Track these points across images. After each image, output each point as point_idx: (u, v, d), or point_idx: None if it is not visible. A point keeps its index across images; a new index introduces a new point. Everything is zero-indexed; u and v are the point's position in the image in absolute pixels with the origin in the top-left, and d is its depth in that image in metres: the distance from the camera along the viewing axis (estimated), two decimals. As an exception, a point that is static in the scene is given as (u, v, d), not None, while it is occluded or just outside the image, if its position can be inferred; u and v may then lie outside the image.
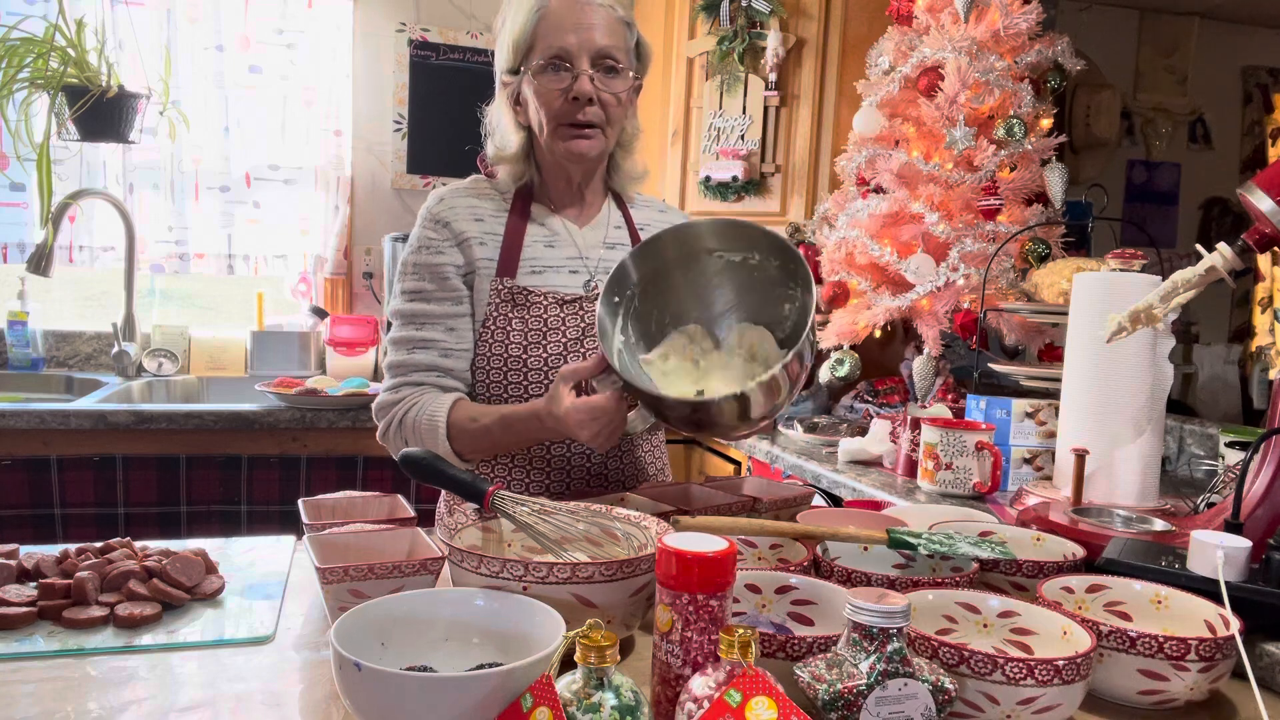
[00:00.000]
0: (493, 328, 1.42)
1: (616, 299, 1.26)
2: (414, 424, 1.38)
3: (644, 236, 1.53)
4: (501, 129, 1.45)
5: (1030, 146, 2.19)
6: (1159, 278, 1.40)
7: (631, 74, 1.41)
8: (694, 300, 1.32)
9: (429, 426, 1.36)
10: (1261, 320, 3.74)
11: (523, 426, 1.32)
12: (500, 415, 1.34)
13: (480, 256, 1.43)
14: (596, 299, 1.43)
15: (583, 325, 1.43)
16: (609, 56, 1.36)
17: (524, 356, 1.41)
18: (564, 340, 1.42)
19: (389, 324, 1.48)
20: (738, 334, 1.32)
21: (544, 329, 1.41)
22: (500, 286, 1.42)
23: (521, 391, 1.42)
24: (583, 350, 1.42)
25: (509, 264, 1.43)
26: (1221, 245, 1.18)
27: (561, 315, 1.42)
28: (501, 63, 1.42)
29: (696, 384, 1.28)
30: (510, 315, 1.42)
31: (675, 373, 1.30)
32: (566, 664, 0.76)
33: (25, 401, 2.48)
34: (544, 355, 1.41)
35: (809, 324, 1.15)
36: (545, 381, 1.41)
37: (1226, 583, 0.99)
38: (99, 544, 1.16)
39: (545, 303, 1.42)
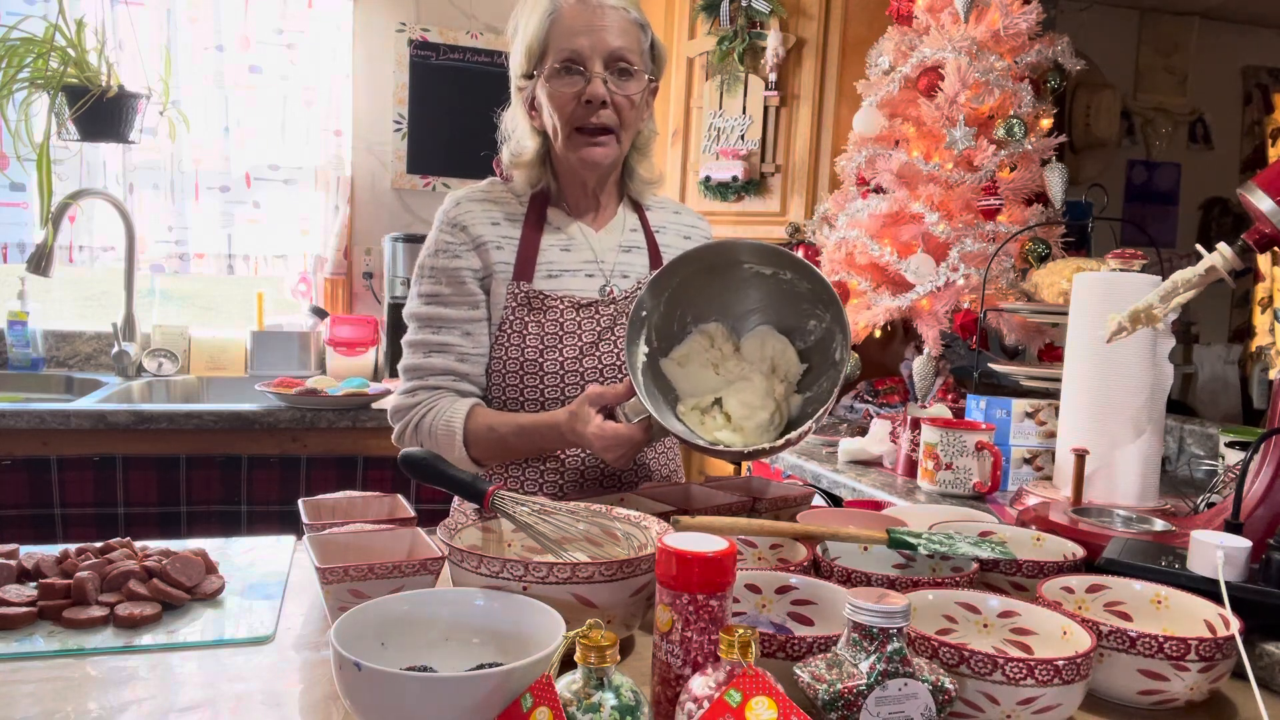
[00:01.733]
0: (509, 331, 1.42)
1: (644, 312, 1.27)
2: (430, 429, 1.39)
3: (660, 239, 1.53)
4: (517, 134, 1.45)
5: (1030, 146, 2.19)
6: (1159, 278, 1.40)
7: (647, 76, 1.40)
8: (718, 300, 1.32)
9: (445, 432, 1.37)
10: (1261, 320, 3.74)
11: (540, 437, 1.33)
12: (518, 425, 1.35)
13: (497, 260, 1.43)
14: (612, 303, 1.44)
15: (598, 329, 1.43)
16: (622, 59, 1.35)
17: (540, 360, 1.41)
18: (580, 344, 1.42)
19: (398, 326, 1.48)
20: (759, 340, 1.32)
21: (560, 333, 1.41)
22: (517, 290, 1.42)
23: (537, 395, 1.41)
24: (598, 354, 1.42)
25: (525, 268, 1.43)
26: (1221, 245, 1.18)
27: (578, 319, 1.42)
28: (516, 68, 1.42)
29: (715, 393, 1.29)
30: (527, 319, 1.42)
31: (694, 379, 1.30)
32: (566, 664, 0.76)
33: (25, 401, 2.48)
34: (560, 359, 1.41)
35: (840, 378, 1.18)
36: (561, 385, 1.41)
37: (1226, 583, 0.99)
38: (99, 544, 1.16)
39: (561, 306, 1.42)
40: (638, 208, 1.54)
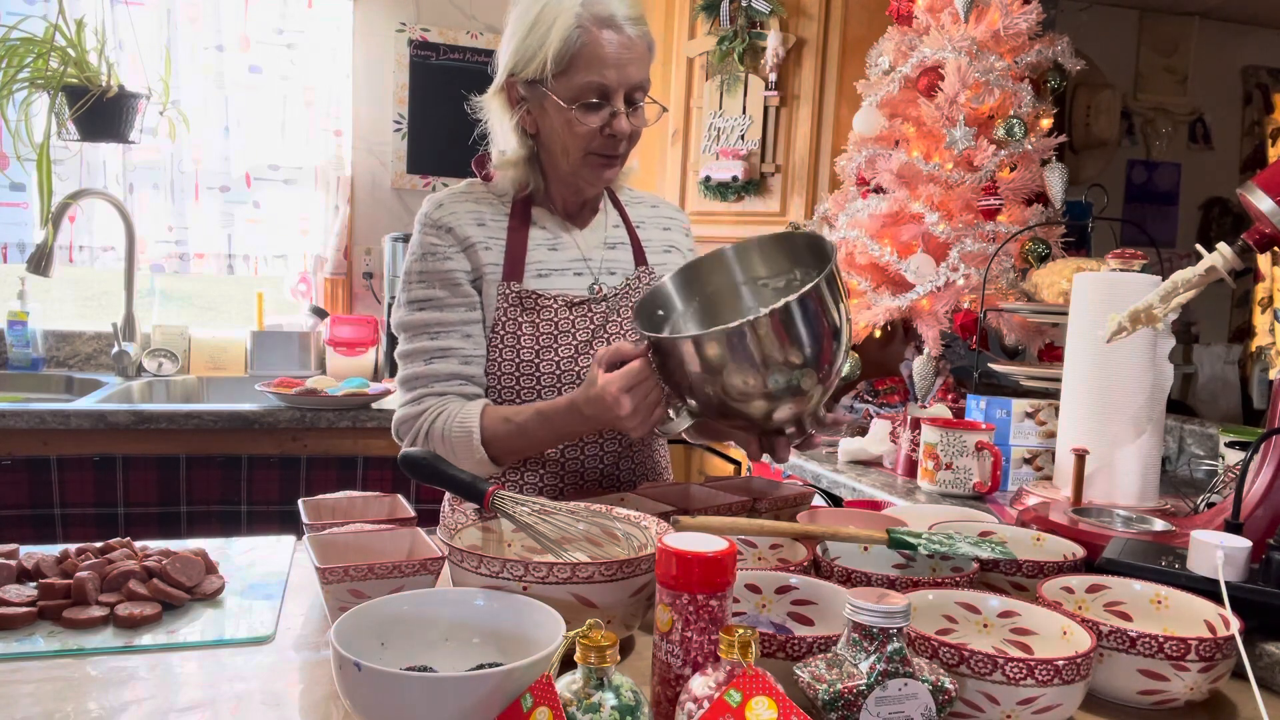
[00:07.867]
0: (502, 333, 1.40)
1: (661, 312, 1.25)
2: (443, 433, 1.34)
3: (641, 234, 1.53)
4: (503, 133, 1.41)
5: (1030, 146, 2.19)
6: (1159, 278, 1.40)
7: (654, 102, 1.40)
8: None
9: (461, 433, 1.32)
10: (1261, 320, 3.74)
11: (560, 420, 1.27)
12: (535, 410, 1.29)
13: (486, 261, 1.40)
14: (603, 301, 1.43)
15: (592, 328, 1.42)
16: (641, 88, 1.35)
17: (536, 360, 1.40)
18: (575, 343, 1.41)
19: (393, 337, 1.46)
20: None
21: (555, 332, 1.40)
22: (508, 291, 1.40)
23: (534, 396, 1.40)
24: (593, 353, 1.41)
25: (515, 268, 1.41)
26: (1221, 245, 1.18)
27: (571, 318, 1.41)
28: (516, 65, 1.35)
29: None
30: (520, 320, 1.40)
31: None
32: (566, 664, 0.76)
33: (25, 401, 2.48)
34: (556, 359, 1.40)
35: (831, 263, 1.10)
36: (558, 386, 1.40)
37: (1226, 583, 0.99)
38: (99, 544, 1.16)
39: (555, 306, 1.41)
40: (616, 202, 1.54)
